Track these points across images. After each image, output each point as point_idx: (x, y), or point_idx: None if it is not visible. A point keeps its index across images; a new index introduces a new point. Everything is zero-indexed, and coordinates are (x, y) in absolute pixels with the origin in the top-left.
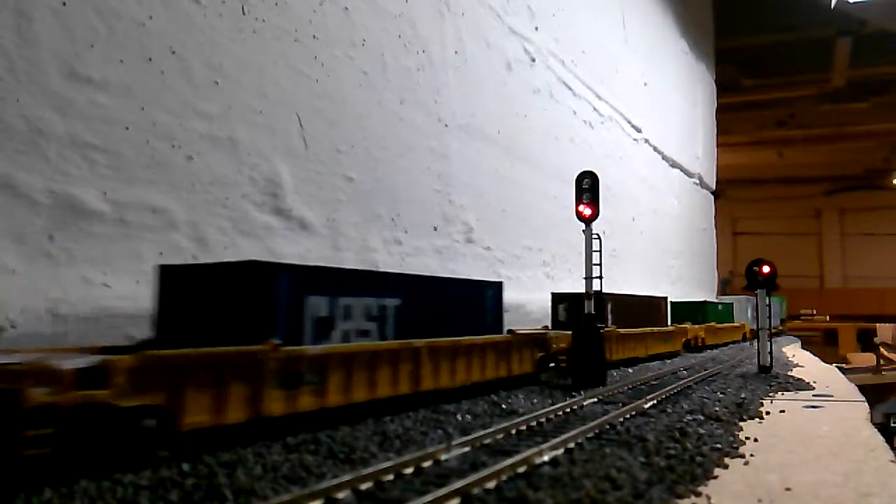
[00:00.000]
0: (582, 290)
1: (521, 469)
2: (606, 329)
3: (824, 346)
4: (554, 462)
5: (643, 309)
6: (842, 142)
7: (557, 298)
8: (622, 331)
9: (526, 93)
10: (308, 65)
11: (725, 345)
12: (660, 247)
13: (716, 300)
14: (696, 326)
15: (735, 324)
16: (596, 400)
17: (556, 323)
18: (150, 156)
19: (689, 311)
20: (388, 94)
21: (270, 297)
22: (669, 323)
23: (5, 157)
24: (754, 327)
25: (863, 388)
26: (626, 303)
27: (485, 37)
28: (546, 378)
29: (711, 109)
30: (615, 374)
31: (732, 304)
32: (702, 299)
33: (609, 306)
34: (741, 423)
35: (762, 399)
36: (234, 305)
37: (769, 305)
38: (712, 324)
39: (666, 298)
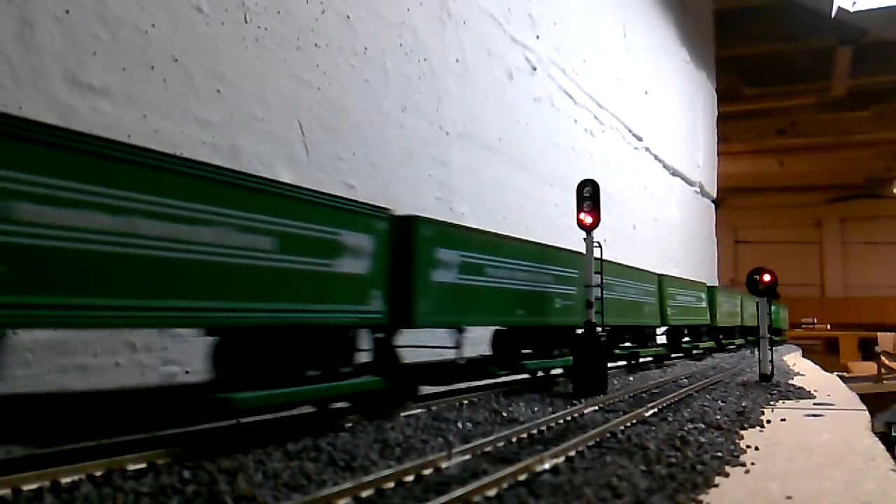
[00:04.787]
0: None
1: (522, 477)
2: None
3: (825, 354)
4: (555, 470)
5: None
6: (843, 150)
7: None
8: None
9: (527, 101)
10: (310, 72)
11: None
12: (661, 255)
13: None
14: None
15: None
16: (597, 408)
17: None
18: None
19: None
20: (390, 102)
21: None
22: None
23: None
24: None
25: (864, 397)
26: None
27: (486, 45)
28: None
29: (712, 118)
30: (616, 381)
31: None
32: None
33: None
34: (742, 432)
35: (763, 407)
36: None
37: (769, 314)
38: None
39: None
